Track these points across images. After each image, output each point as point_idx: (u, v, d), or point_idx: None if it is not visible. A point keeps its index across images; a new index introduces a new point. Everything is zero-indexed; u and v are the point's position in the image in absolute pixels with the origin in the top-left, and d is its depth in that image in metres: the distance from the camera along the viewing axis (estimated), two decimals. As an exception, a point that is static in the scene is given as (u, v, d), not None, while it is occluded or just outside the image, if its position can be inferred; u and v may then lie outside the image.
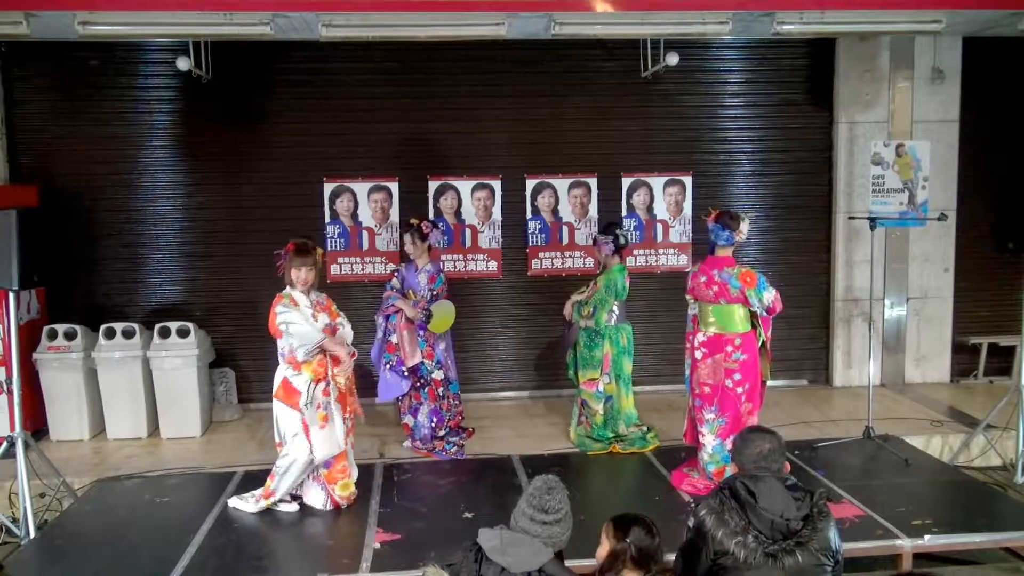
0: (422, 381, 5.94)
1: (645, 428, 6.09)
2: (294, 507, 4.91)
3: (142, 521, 4.88)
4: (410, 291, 5.95)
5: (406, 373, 5.87)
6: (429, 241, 5.98)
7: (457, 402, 6.20)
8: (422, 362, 5.90)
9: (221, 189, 7.19)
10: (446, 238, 6.75)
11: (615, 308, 5.90)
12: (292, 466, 4.78)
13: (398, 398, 6.05)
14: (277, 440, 4.86)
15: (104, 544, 4.55)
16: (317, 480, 4.93)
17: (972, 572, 4.53)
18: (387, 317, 5.87)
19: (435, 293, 5.92)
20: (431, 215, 7.30)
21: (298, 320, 4.67)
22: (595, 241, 6.07)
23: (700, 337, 4.99)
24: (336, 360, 4.76)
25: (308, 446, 4.72)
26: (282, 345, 4.74)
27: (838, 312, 7.64)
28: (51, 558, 4.43)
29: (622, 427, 6.01)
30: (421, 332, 5.88)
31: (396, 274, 6.08)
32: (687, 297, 5.25)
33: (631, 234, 7.39)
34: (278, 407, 4.80)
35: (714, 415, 4.95)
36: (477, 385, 7.48)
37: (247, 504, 4.90)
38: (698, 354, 5.01)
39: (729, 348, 4.89)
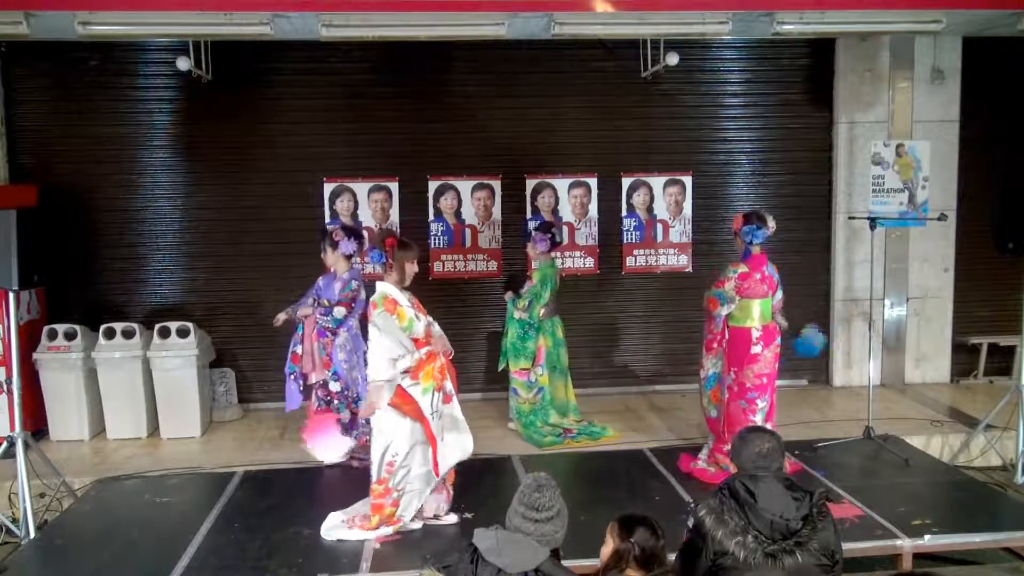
0: (330, 396, 5.71)
1: (586, 423, 6.35)
2: (418, 524, 4.61)
3: (142, 521, 4.88)
4: (326, 300, 5.67)
5: (302, 388, 5.72)
6: (342, 250, 5.61)
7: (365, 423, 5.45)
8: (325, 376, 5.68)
9: (221, 189, 7.19)
10: (360, 246, 5.79)
11: (548, 302, 6.23)
12: (416, 480, 4.49)
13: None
14: (381, 470, 4.46)
15: (104, 544, 4.54)
16: (436, 490, 4.65)
17: (972, 572, 4.53)
18: (296, 328, 5.74)
19: (340, 298, 5.61)
20: (431, 215, 7.31)
21: (384, 344, 4.39)
22: (531, 238, 6.27)
23: (756, 333, 5.21)
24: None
25: (432, 459, 4.44)
26: None
27: (838, 312, 7.64)
28: (51, 558, 4.43)
29: (555, 416, 6.27)
30: (323, 338, 5.67)
31: (315, 284, 5.83)
32: (734, 297, 5.19)
33: (632, 234, 7.52)
34: (390, 418, 4.43)
35: (766, 403, 5.23)
36: (477, 385, 7.47)
37: (357, 534, 4.49)
38: (757, 348, 5.20)
39: (776, 336, 5.29)
